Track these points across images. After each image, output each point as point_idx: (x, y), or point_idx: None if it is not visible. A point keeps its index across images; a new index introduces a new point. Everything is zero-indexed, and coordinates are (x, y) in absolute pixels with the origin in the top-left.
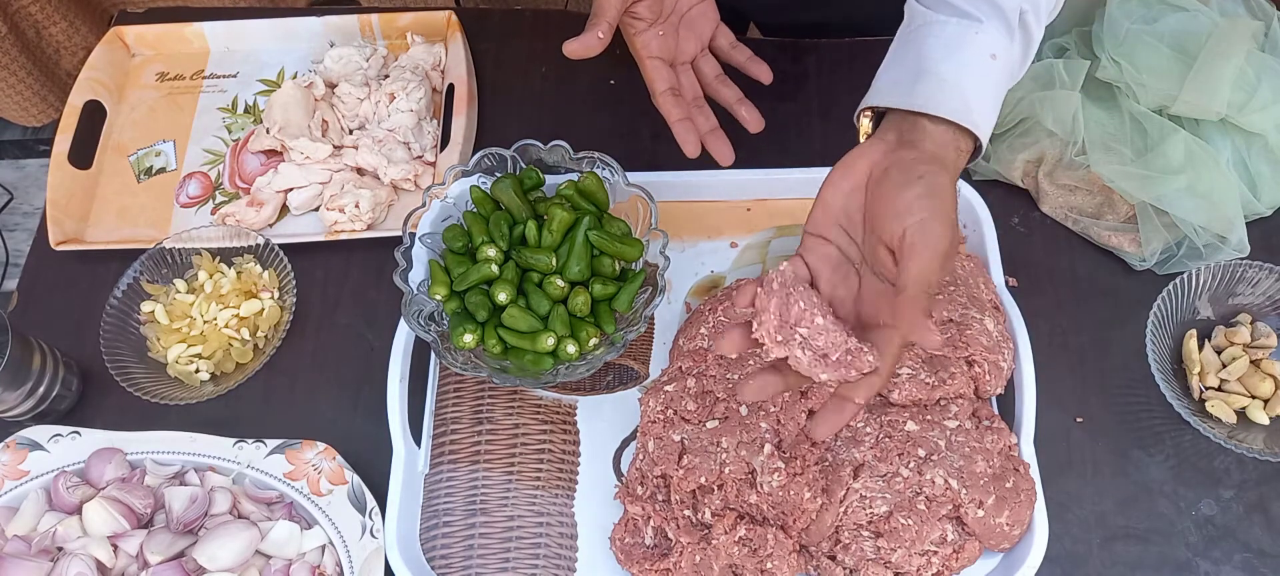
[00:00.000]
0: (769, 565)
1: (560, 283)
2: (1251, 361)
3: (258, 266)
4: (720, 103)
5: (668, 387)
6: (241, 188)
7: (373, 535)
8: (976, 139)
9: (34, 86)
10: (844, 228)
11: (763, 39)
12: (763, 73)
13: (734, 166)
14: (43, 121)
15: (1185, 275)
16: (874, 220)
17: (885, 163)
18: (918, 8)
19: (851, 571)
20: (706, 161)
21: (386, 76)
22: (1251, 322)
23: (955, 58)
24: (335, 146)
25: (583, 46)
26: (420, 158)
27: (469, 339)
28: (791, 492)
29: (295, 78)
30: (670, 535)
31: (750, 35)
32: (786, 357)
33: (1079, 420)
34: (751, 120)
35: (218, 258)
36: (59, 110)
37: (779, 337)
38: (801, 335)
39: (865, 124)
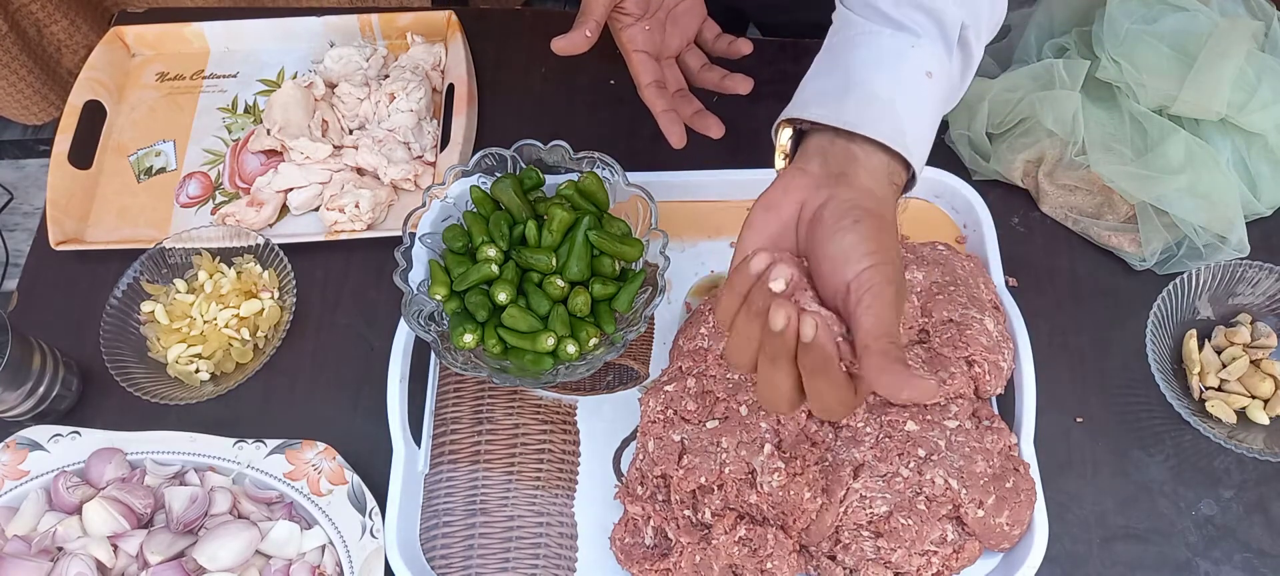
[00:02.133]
0: (769, 565)
1: (560, 282)
2: (1251, 361)
3: (258, 266)
4: (707, 87)
5: (668, 387)
6: (241, 188)
7: (373, 535)
8: (910, 168)
9: (35, 84)
10: None
11: (763, 39)
12: (743, 47)
13: (734, 166)
14: (43, 120)
15: (1185, 275)
16: (812, 269)
17: (816, 200)
18: (850, 16)
19: (851, 571)
20: (706, 161)
21: (386, 76)
22: (1251, 322)
23: (889, 74)
24: (335, 146)
25: (570, 43)
26: (420, 158)
27: (469, 339)
28: (791, 492)
29: (295, 78)
30: (670, 535)
31: (750, 35)
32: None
33: (1079, 420)
34: (741, 86)
35: (218, 258)
36: (60, 109)
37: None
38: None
39: (783, 139)
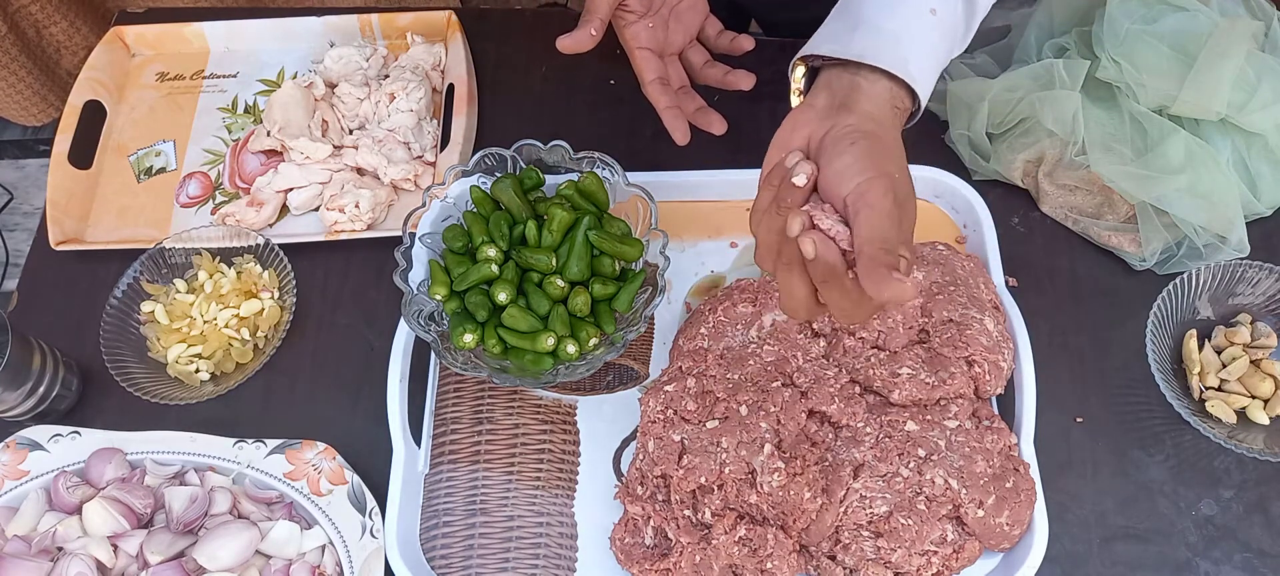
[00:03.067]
0: (769, 565)
1: (560, 283)
2: (1251, 361)
3: (258, 266)
4: (710, 83)
5: (668, 387)
6: (241, 188)
7: (373, 535)
8: (915, 97)
9: (34, 86)
10: None
11: (764, 38)
12: (745, 43)
13: (734, 166)
14: (43, 121)
15: (1185, 275)
16: (820, 191)
17: (820, 131)
18: None
19: (851, 571)
20: (707, 161)
21: (386, 76)
22: (1251, 322)
23: (895, 12)
24: (335, 146)
25: (575, 42)
26: (420, 158)
27: (469, 339)
28: (791, 492)
29: (295, 78)
30: (670, 535)
31: (752, 32)
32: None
33: (1079, 420)
34: (744, 81)
35: (218, 258)
36: (59, 110)
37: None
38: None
39: (797, 77)
